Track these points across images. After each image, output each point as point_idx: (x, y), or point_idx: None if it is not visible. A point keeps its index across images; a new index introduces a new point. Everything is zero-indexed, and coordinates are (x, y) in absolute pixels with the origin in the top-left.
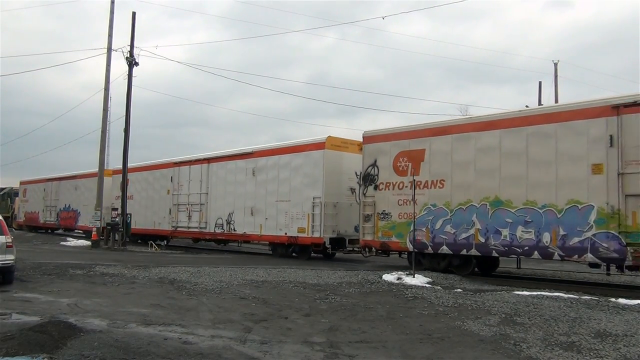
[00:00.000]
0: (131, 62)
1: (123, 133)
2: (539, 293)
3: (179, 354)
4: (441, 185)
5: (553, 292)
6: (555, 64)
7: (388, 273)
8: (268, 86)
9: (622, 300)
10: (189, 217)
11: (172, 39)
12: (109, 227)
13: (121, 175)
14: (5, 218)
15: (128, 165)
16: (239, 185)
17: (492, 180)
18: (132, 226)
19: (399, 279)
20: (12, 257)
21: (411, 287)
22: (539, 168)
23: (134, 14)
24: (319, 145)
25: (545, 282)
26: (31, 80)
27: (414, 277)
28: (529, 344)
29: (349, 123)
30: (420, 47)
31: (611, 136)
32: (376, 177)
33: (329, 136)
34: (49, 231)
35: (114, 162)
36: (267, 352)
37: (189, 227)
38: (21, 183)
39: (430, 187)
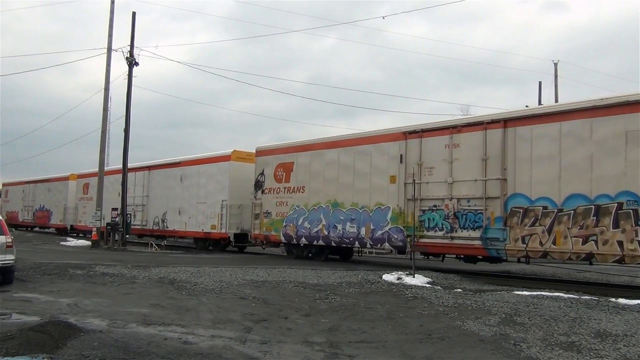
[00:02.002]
0: (131, 62)
1: (123, 133)
2: (539, 293)
3: (179, 354)
4: (302, 191)
5: (553, 292)
6: (556, 64)
7: (388, 273)
8: (268, 87)
9: (622, 300)
10: (134, 216)
11: (174, 41)
12: (109, 227)
13: (87, 179)
14: None
15: (91, 169)
16: (170, 190)
17: (333, 187)
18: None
19: (399, 279)
20: (12, 257)
21: (411, 287)
22: (360, 178)
23: (134, 13)
24: (226, 158)
25: (545, 282)
26: (34, 82)
27: (414, 277)
28: (529, 344)
29: (348, 123)
30: (419, 49)
31: (401, 155)
32: (263, 183)
33: (234, 150)
34: (28, 229)
35: (114, 162)
36: (267, 352)
37: (133, 225)
38: (3, 185)
39: (296, 192)
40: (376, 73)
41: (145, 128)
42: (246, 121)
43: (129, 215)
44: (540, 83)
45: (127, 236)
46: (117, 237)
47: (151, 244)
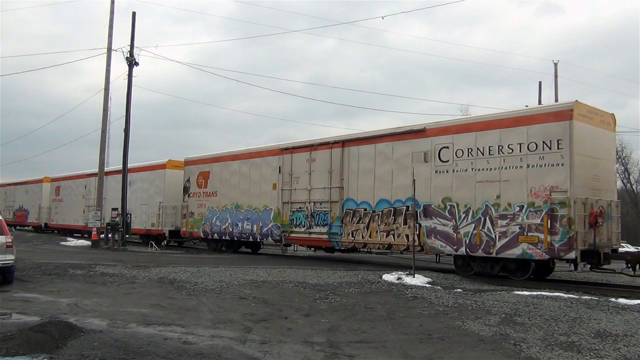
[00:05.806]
0: (131, 62)
1: (123, 133)
2: (539, 293)
3: (179, 354)
4: (215, 195)
5: (553, 292)
6: (556, 64)
7: (388, 273)
8: (269, 88)
9: (622, 300)
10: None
11: (176, 43)
12: (108, 227)
13: (58, 182)
14: None
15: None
16: (120, 193)
17: (236, 192)
18: (60, 222)
19: (399, 279)
20: (12, 257)
21: (411, 287)
22: (254, 185)
23: (134, 13)
24: (162, 166)
25: (545, 282)
26: (36, 83)
27: (414, 277)
28: (529, 344)
29: (347, 124)
30: (418, 51)
31: (279, 167)
32: (189, 188)
33: (169, 160)
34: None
35: (114, 162)
36: (267, 352)
37: None
38: None
39: (212, 196)
40: (375, 74)
41: (145, 128)
42: (246, 122)
43: (128, 215)
44: (540, 83)
45: (127, 236)
46: (117, 237)
47: (151, 243)
